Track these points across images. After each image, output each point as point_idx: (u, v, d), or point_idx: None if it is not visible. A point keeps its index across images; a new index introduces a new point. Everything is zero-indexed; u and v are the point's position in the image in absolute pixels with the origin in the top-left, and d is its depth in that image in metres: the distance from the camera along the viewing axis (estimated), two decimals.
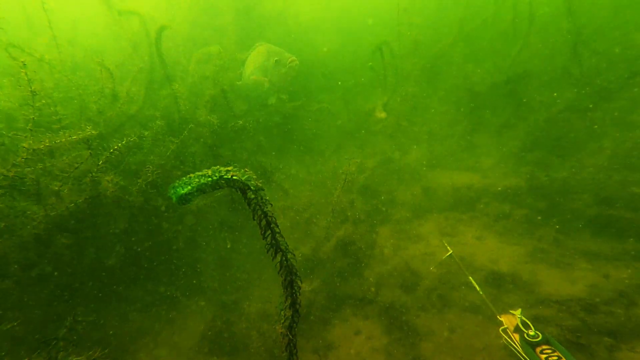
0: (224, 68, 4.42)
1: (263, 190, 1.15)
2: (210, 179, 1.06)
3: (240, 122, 3.91)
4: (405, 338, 2.75)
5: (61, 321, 1.81)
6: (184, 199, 1.03)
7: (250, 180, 1.11)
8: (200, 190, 1.05)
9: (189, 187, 1.03)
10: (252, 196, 1.13)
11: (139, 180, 3.08)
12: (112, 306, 2.91)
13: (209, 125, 3.88)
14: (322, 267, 3.60)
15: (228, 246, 3.66)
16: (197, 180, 1.05)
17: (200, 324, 3.09)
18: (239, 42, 5.71)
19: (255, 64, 4.92)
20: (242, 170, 1.12)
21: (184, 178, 1.07)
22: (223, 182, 1.08)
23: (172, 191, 1.05)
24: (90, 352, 1.51)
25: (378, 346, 2.75)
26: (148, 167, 3.16)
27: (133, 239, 3.12)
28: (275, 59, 4.68)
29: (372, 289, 3.33)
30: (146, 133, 3.18)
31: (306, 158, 5.51)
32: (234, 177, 1.08)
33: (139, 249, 3.16)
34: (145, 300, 3.17)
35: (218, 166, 1.10)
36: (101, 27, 5.08)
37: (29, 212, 1.99)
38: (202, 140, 3.89)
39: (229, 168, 1.10)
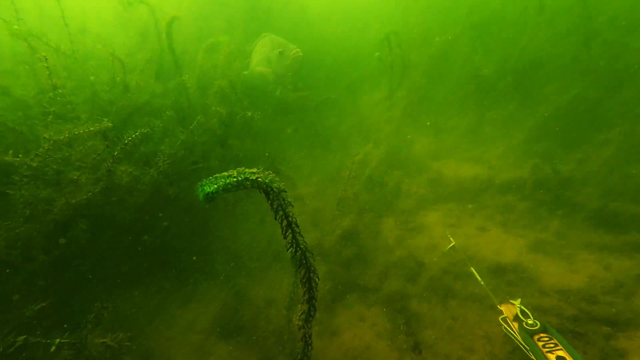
0: (231, 58, 4.44)
1: (285, 192, 1.22)
2: (235, 179, 1.13)
3: (249, 113, 3.95)
4: (408, 325, 2.84)
5: (84, 304, 1.92)
6: (210, 197, 1.11)
7: (273, 183, 1.18)
8: (226, 189, 1.12)
9: (215, 186, 1.11)
10: (275, 198, 1.20)
11: (151, 170, 3.16)
12: (127, 290, 3.04)
13: (217, 116, 3.94)
14: (327, 256, 3.70)
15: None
16: (222, 180, 1.13)
17: (213, 307, 3.22)
18: (247, 32, 5.70)
19: (260, 55, 4.93)
20: (266, 172, 1.19)
21: (211, 177, 1.15)
22: (248, 183, 1.15)
23: (199, 189, 1.12)
24: (114, 335, 1.62)
25: (382, 332, 2.86)
26: (159, 157, 3.23)
27: (145, 226, 3.23)
28: (279, 50, 4.68)
29: (377, 278, 3.42)
30: (157, 123, 3.24)
31: (312, 149, 5.56)
32: (259, 179, 1.15)
33: (151, 236, 3.27)
34: (158, 283, 3.30)
35: (243, 168, 1.17)
36: (110, 16, 5.09)
37: (51, 200, 2.09)
38: (210, 130, 3.95)
39: (254, 170, 1.18)
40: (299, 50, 4.58)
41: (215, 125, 3.97)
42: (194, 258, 3.57)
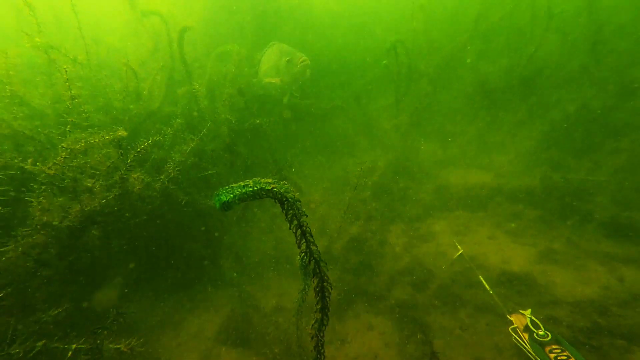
0: (240, 66, 4.51)
1: (299, 202, 1.24)
2: (251, 189, 1.16)
3: (258, 121, 4.00)
4: (417, 335, 2.82)
5: (98, 309, 1.94)
6: (227, 206, 1.14)
7: (288, 193, 1.20)
8: (242, 199, 1.15)
9: (232, 196, 1.13)
10: (290, 208, 1.22)
11: (162, 177, 3.20)
12: (137, 295, 3.07)
13: (226, 123, 3.99)
14: (335, 263, 3.70)
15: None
16: (239, 190, 1.15)
17: (221, 313, 3.23)
18: (256, 40, 5.78)
19: (268, 63, 4.98)
20: (281, 182, 1.22)
21: (227, 187, 1.17)
22: (263, 192, 1.18)
23: (216, 198, 1.15)
24: (128, 340, 1.64)
25: (390, 341, 2.84)
26: (170, 164, 3.28)
27: (156, 232, 3.27)
28: (287, 58, 4.72)
29: (384, 286, 3.41)
30: (168, 130, 3.30)
31: (319, 155, 5.59)
32: (274, 189, 1.17)
33: (161, 242, 3.30)
34: (167, 288, 3.33)
35: (259, 178, 1.20)
36: (123, 26, 5.21)
37: (66, 207, 2.13)
38: (220, 137, 4.00)
39: (269, 180, 1.20)
40: (307, 58, 4.62)
41: (224, 132, 4.02)
42: (204, 264, 3.59)
